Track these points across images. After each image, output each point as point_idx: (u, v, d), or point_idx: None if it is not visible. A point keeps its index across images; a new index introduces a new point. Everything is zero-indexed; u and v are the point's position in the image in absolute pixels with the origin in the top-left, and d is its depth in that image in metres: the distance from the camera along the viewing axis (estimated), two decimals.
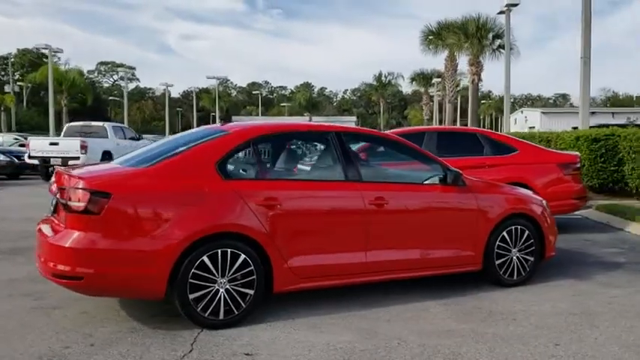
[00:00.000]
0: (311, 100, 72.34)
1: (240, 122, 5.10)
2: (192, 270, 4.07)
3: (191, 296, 4.07)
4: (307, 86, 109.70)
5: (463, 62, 33.05)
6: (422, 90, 54.20)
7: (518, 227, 5.40)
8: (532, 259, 5.47)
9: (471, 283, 5.37)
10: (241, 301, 4.23)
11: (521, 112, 61.37)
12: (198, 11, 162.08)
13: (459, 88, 37.20)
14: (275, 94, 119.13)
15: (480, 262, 5.24)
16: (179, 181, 4.20)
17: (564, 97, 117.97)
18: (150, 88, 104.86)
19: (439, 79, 44.46)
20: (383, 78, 69.51)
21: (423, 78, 50.44)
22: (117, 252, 3.95)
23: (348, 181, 4.74)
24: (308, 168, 5.01)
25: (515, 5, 20.95)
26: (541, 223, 5.54)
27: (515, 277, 5.38)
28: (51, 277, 4.06)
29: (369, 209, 4.72)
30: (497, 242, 5.30)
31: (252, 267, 4.25)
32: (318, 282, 4.60)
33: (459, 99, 43.56)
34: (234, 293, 4.21)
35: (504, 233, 5.33)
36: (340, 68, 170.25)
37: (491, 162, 7.95)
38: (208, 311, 4.13)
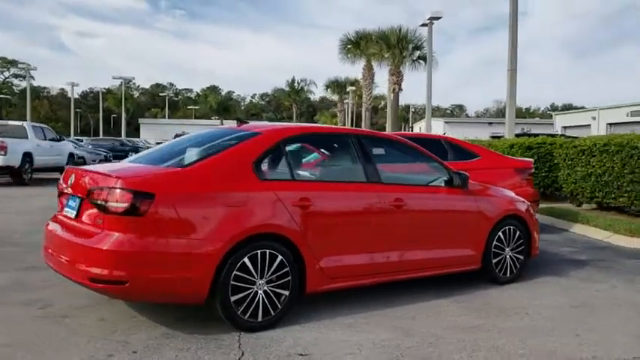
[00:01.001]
0: (222, 103, 71.21)
1: (261, 123, 5.05)
2: (234, 272, 4.00)
3: (232, 299, 4.00)
4: (214, 89, 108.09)
5: (380, 72, 34.16)
6: (335, 97, 55.24)
7: (511, 228, 5.75)
8: (522, 257, 5.84)
9: (461, 281, 5.59)
10: (277, 303, 4.20)
11: None
12: (94, 8, 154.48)
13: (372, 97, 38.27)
14: (180, 97, 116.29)
15: (479, 261, 5.52)
16: (219, 181, 4.11)
17: (460, 107, 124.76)
18: (44, 88, 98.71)
19: (354, 87, 45.59)
20: (296, 84, 70.16)
21: (338, 86, 51.47)
22: (162, 255, 3.80)
23: (369, 183, 4.84)
24: (333, 169, 5.04)
25: (438, 18, 22.01)
26: (529, 224, 5.93)
27: (508, 274, 5.72)
28: (86, 282, 3.82)
29: (390, 210, 4.85)
30: (494, 242, 5.60)
31: (288, 268, 4.24)
32: (345, 282, 4.65)
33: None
34: (272, 295, 4.18)
35: (500, 233, 5.65)
36: (247, 72, 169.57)
37: (456, 167, 8.31)
38: (248, 313, 4.07)
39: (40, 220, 9.43)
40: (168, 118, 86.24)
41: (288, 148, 4.59)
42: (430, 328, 4.34)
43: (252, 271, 4.08)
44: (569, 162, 10.70)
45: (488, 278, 5.66)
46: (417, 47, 29.72)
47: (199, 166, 4.16)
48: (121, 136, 55.81)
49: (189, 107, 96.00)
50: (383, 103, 64.90)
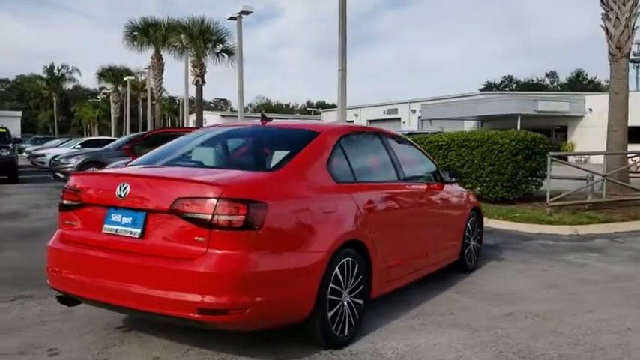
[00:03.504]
0: None
1: (289, 121, 4.58)
2: (330, 284, 3.60)
3: (329, 313, 3.60)
4: None
5: (172, 62, 32.72)
6: (110, 87, 51.09)
7: (474, 219, 6.16)
8: (479, 245, 6.31)
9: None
10: (356, 313, 3.90)
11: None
12: None
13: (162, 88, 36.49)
14: None
15: (459, 252, 5.81)
16: (312, 186, 3.66)
17: (225, 102, 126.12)
18: None
19: (132, 77, 42.89)
20: (56, 70, 63.02)
21: (114, 74, 47.55)
22: (281, 272, 3.26)
23: (401, 182, 4.76)
24: (375, 169, 4.76)
25: (249, 13, 21.93)
26: (482, 215, 6.42)
27: (472, 262, 6.12)
28: (190, 315, 3.04)
29: (418, 207, 4.85)
30: (466, 233, 5.95)
31: (362, 275, 3.96)
32: (396, 284, 4.53)
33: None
34: (353, 305, 3.86)
35: (468, 225, 6.02)
36: None
37: None
38: (339, 328, 3.71)
39: None
40: None
41: (346, 148, 4.23)
42: (481, 321, 4.41)
43: (342, 281, 3.72)
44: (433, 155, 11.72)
45: (459, 267, 5.97)
46: (220, 40, 29.31)
47: (288, 170, 3.62)
48: None
49: None
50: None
